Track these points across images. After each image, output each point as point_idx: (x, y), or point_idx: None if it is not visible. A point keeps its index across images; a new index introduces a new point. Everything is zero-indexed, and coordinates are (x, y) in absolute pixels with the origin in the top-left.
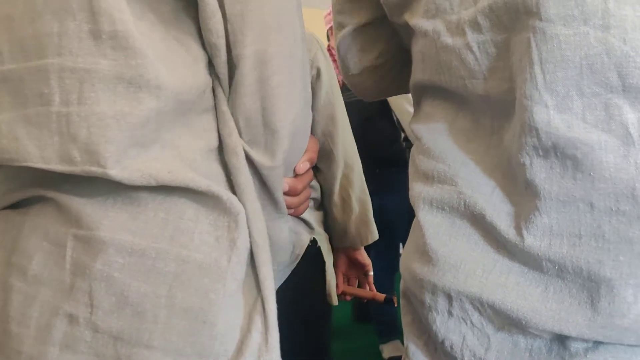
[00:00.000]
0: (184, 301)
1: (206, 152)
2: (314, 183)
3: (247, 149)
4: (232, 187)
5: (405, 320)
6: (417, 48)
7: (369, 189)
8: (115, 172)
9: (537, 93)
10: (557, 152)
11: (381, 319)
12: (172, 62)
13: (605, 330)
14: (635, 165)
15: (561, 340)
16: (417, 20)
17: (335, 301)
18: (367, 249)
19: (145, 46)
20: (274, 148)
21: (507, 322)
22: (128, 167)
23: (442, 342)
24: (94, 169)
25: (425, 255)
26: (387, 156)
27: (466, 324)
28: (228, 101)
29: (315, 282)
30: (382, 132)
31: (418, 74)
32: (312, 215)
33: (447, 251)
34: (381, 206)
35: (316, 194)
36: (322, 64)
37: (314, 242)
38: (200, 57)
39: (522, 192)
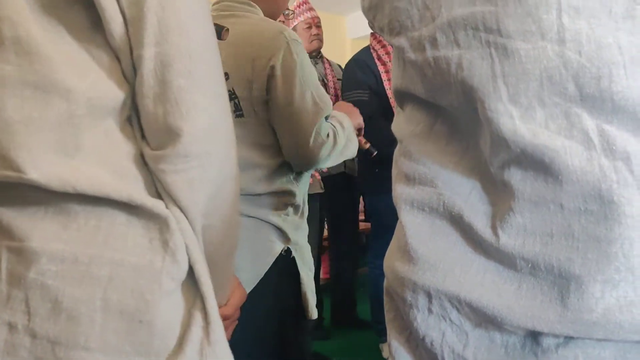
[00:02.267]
0: (120, 303)
1: (133, 157)
2: (293, 188)
3: (151, 153)
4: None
5: (388, 317)
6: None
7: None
8: (33, 176)
9: (502, 105)
10: (527, 158)
11: (381, 318)
12: (82, 70)
13: (575, 325)
14: (600, 167)
15: (534, 336)
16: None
17: (313, 315)
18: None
19: (51, 51)
20: (177, 153)
21: (484, 319)
22: (47, 172)
23: (423, 339)
24: (10, 174)
25: (407, 254)
26: (386, 155)
27: (445, 321)
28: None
29: (288, 295)
30: (381, 131)
31: (397, 80)
32: (287, 223)
33: (427, 250)
34: (380, 206)
35: (294, 199)
36: (278, 63)
37: (287, 251)
38: (114, 68)
39: (499, 193)
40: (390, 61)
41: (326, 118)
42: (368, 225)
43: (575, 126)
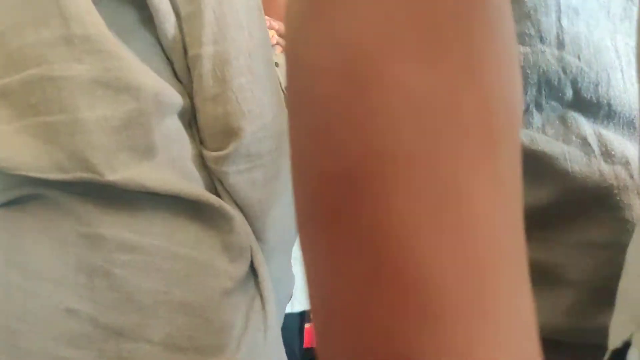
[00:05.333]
0: (182, 297)
1: (195, 158)
2: None
3: (210, 155)
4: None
5: None
6: None
7: None
8: (111, 178)
9: None
10: (525, 164)
11: None
12: (144, 68)
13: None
14: (600, 172)
15: None
16: None
17: None
18: None
19: (119, 49)
20: (239, 153)
21: None
22: (121, 173)
23: None
24: (86, 175)
25: None
26: None
27: None
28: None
29: None
30: None
31: None
32: None
33: None
34: None
35: None
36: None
37: None
38: (165, 68)
39: None
40: None
41: None
42: None
43: (573, 131)
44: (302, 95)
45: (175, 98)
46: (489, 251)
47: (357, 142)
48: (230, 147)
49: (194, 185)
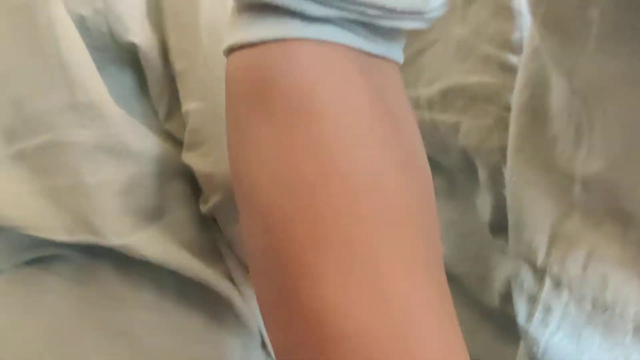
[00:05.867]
0: (199, 354)
1: (198, 218)
2: None
3: (206, 208)
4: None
5: None
6: None
7: None
8: (114, 242)
9: (500, 176)
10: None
11: None
12: (145, 132)
13: None
14: None
15: None
16: None
17: None
18: None
19: (121, 114)
20: (225, 207)
21: None
22: (125, 238)
23: None
24: (91, 238)
25: None
26: None
27: None
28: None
29: None
30: None
31: None
32: None
33: None
34: None
35: None
36: None
37: None
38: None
39: (500, 260)
40: None
41: None
42: None
43: None
44: (246, 202)
45: (178, 159)
46: (403, 313)
47: (293, 241)
48: (209, 203)
49: (194, 261)
